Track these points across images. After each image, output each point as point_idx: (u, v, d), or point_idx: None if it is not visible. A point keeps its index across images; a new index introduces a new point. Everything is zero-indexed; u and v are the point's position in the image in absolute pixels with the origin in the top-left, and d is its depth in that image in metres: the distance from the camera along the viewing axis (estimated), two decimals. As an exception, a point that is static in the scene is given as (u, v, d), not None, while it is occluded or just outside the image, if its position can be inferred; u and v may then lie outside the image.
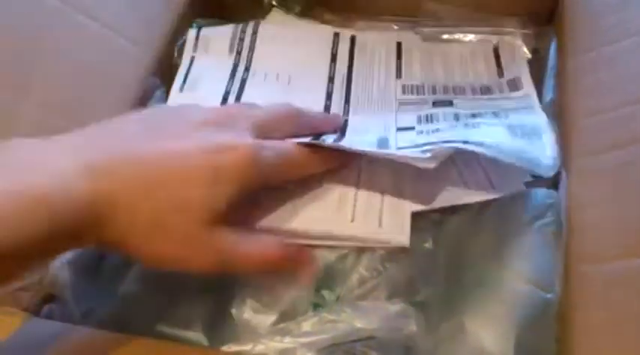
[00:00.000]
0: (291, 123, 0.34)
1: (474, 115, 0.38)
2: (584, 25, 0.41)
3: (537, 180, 0.35)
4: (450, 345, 0.31)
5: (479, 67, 0.44)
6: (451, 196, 0.35)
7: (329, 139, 0.36)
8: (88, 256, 0.35)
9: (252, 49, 0.45)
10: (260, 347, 0.30)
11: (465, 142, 0.33)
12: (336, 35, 0.46)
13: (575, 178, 0.35)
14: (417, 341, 0.31)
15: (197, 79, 0.43)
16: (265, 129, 0.32)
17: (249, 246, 0.30)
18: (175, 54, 0.45)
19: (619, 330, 0.29)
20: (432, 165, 0.32)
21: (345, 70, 0.44)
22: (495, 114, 0.38)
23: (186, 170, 0.28)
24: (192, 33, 0.46)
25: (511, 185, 0.35)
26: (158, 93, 0.42)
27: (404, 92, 0.42)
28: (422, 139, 0.36)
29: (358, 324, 0.30)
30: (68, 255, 0.33)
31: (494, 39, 0.45)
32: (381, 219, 0.34)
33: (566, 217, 0.33)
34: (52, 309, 0.33)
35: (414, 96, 0.42)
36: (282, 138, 0.34)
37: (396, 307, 0.31)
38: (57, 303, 0.34)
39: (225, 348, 0.31)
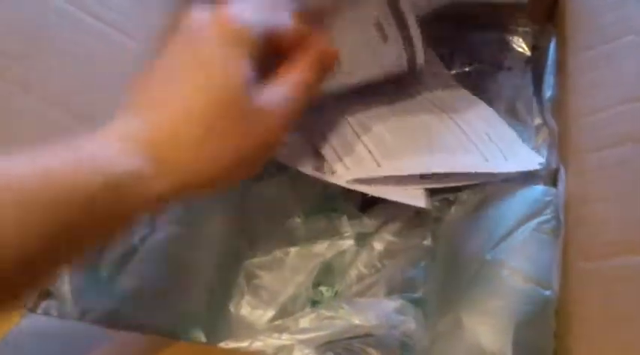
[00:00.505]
0: None
1: None
2: (584, 23, 0.41)
3: (536, 177, 0.35)
4: (447, 342, 0.31)
5: None
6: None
7: None
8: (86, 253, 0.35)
9: None
10: (257, 344, 0.30)
11: None
12: None
13: (574, 175, 0.35)
14: (415, 338, 0.30)
15: None
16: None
17: (293, 78, 0.30)
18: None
19: (617, 327, 0.29)
20: None
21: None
22: None
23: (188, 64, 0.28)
24: None
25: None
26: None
27: None
28: None
29: (356, 321, 0.30)
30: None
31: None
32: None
33: (565, 214, 0.33)
34: (49, 306, 0.33)
35: None
36: None
37: (394, 304, 0.31)
38: (54, 300, 0.34)
39: (222, 345, 0.31)
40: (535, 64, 0.43)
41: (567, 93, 0.39)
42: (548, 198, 0.34)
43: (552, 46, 0.43)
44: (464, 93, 0.40)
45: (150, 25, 0.44)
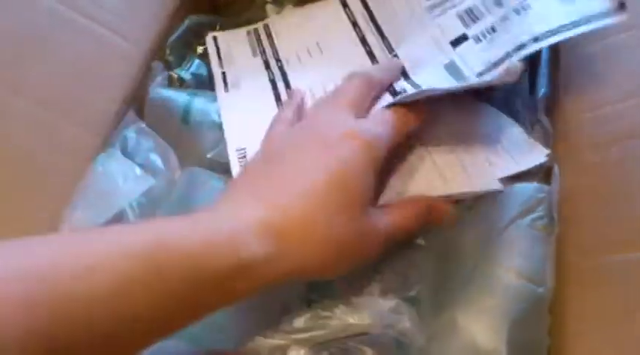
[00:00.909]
0: (368, 88, 0.36)
1: None
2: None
3: (528, 175, 0.35)
4: (442, 340, 0.31)
5: None
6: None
7: (402, 89, 0.37)
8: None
9: (273, 45, 0.45)
10: (251, 344, 0.30)
11: (536, 39, 0.34)
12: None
13: (567, 172, 0.35)
14: (410, 337, 0.31)
15: (237, 79, 0.44)
16: (358, 105, 0.34)
17: (400, 213, 0.32)
18: (167, 51, 0.45)
19: (611, 324, 0.29)
20: (512, 79, 0.33)
21: (364, 11, 0.44)
22: None
23: (327, 177, 0.30)
24: (210, 45, 0.46)
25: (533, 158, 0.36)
26: (160, 78, 0.43)
27: None
28: (486, 52, 0.36)
29: (351, 320, 0.30)
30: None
31: None
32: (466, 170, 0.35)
33: (559, 211, 0.33)
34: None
35: None
36: (370, 106, 0.36)
37: (389, 303, 0.31)
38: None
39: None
40: (529, 60, 0.43)
41: (562, 91, 0.39)
42: (541, 195, 0.34)
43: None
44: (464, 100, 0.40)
45: (144, 26, 0.44)
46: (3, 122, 0.35)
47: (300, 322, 0.31)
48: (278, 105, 0.41)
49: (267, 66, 0.44)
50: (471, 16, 0.38)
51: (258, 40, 0.46)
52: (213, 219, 0.28)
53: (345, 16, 0.45)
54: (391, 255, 0.33)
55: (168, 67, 0.44)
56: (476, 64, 0.36)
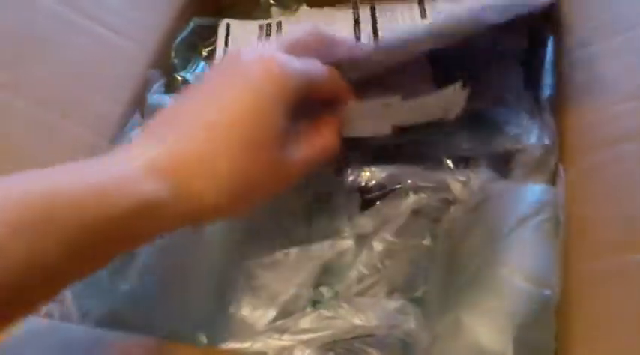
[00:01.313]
0: (316, 42, 0.33)
1: None
2: (581, 20, 0.41)
3: (535, 177, 0.35)
4: (447, 342, 0.31)
5: None
6: None
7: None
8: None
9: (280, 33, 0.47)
10: (258, 345, 0.30)
11: None
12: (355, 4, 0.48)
13: (573, 174, 0.35)
14: (416, 338, 0.30)
15: None
16: (294, 49, 0.32)
17: (312, 145, 0.31)
18: (173, 54, 0.45)
19: (618, 326, 0.29)
20: None
21: (369, 28, 0.46)
22: None
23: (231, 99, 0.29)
24: (222, 29, 0.47)
25: None
26: (156, 85, 0.43)
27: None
28: None
29: (357, 321, 0.30)
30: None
31: None
32: None
33: (565, 213, 0.33)
34: (51, 309, 0.33)
35: None
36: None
37: (395, 304, 0.31)
38: (56, 303, 0.34)
39: (223, 346, 0.31)
40: (531, 61, 0.43)
41: (565, 92, 0.38)
42: (547, 198, 0.34)
43: (550, 44, 0.43)
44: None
45: (149, 28, 0.44)
46: (3, 120, 0.36)
47: (305, 323, 0.31)
48: None
49: None
50: None
51: (268, 33, 0.47)
52: (104, 163, 0.27)
53: (351, 23, 0.46)
54: (396, 256, 0.33)
55: (174, 69, 0.44)
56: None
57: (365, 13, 0.47)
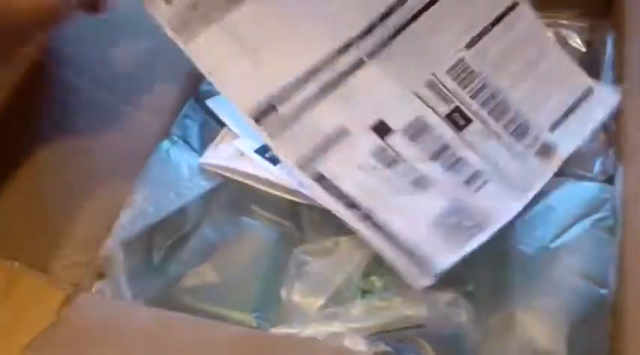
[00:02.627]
0: None
1: None
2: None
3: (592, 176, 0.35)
4: (499, 337, 0.30)
5: None
6: None
7: None
8: (140, 236, 0.35)
9: None
10: (308, 331, 0.30)
11: None
12: None
13: (632, 174, 0.34)
14: (467, 331, 0.30)
15: None
16: None
17: None
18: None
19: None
20: None
21: None
22: None
23: None
24: None
25: None
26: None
27: None
28: None
29: (408, 312, 0.30)
30: (122, 235, 0.34)
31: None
32: None
33: (623, 213, 0.33)
34: (103, 287, 0.34)
35: None
36: None
37: (446, 296, 0.31)
38: (108, 282, 0.34)
39: (274, 330, 0.31)
40: (590, 61, 0.43)
41: (625, 92, 0.38)
42: (605, 196, 0.33)
43: (610, 42, 0.42)
44: None
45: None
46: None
47: (356, 311, 0.31)
48: None
49: None
50: None
51: None
52: None
53: None
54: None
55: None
56: None
57: None
